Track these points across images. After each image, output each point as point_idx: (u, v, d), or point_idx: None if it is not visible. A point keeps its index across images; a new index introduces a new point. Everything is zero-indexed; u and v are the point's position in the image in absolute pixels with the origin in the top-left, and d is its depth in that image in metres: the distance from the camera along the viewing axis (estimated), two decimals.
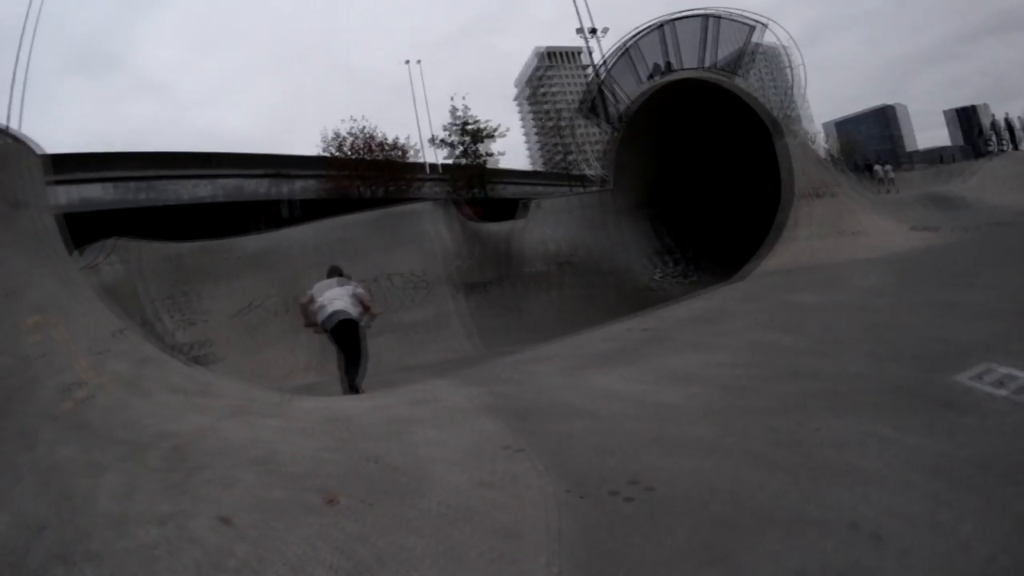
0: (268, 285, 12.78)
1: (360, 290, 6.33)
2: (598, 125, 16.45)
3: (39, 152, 4.61)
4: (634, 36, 14.78)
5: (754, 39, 13.33)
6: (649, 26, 14.46)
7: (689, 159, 15.06)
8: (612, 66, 15.46)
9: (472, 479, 3.03)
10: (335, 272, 6.78)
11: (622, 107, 14.85)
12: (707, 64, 13.29)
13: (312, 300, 6.17)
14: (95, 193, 19.44)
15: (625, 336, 6.58)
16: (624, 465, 2.97)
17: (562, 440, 3.45)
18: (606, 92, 15.54)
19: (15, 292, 3.63)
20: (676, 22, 14.11)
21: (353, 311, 6.00)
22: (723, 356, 5.19)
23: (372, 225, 13.93)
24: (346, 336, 5.98)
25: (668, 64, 14.21)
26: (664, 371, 4.89)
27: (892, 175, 24.82)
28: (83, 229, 10.01)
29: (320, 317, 6.00)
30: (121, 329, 4.39)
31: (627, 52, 14.91)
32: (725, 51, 13.37)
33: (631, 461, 3.03)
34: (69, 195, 18.96)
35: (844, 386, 3.94)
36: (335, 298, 6.02)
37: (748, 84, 13.52)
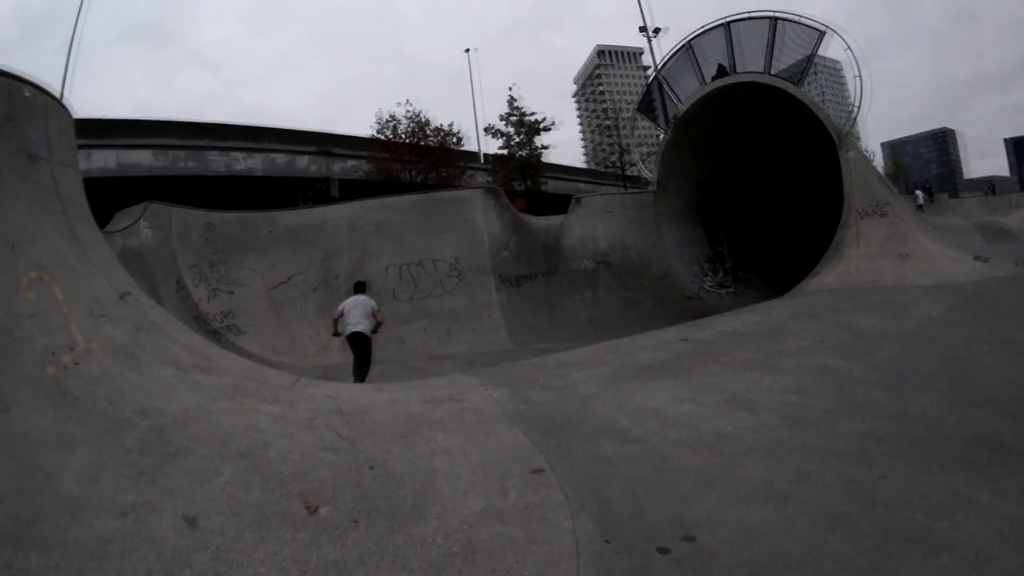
0: (305, 261, 12.69)
1: (374, 306, 7.45)
2: (655, 123, 15.87)
3: (66, 108, 4.37)
4: (696, 34, 14.14)
5: (819, 49, 12.56)
6: (712, 25, 13.83)
7: (740, 167, 14.55)
8: (671, 64, 14.81)
9: (485, 506, 2.54)
10: (360, 288, 7.77)
11: (677, 107, 14.43)
12: (772, 69, 12.61)
13: (341, 315, 7.26)
14: (142, 159, 20.10)
15: (674, 346, 5.95)
16: (676, 511, 2.42)
17: (600, 468, 2.92)
18: (665, 90, 15.00)
19: (19, 245, 3.43)
20: (741, 23, 13.40)
21: (366, 324, 7.13)
22: (784, 380, 4.52)
23: (415, 209, 13.63)
24: (358, 345, 7.15)
25: (731, 66, 13.62)
26: (720, 392, 4.26)
27: (921, 201, 23.39)
28: (129, 193, 10.16)
29: (342, 328, 7.26)
30: (129, 292, 4.13)
31: (688, 50, 14.25)
32: (789, 57, 12.73)
33: (685, 506, 2.47)
34: (118, 159, 19.67)
35: (926, 432, 3.34)
36: (355, 313, 7.18)
37: (809, 94, 12.95)
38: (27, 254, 3.43)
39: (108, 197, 9.74)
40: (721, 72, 13.73)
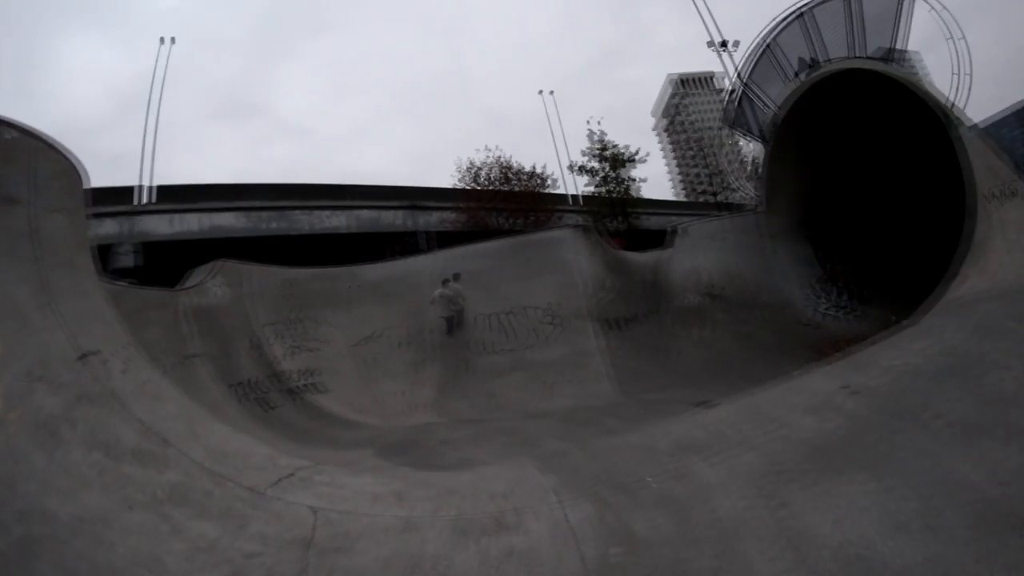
0: (391, 315, 12.46)
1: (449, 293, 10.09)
2: (744, 136, 15.35)
3: (62, 153, 4.05)
4: (772, 31, 13.43)
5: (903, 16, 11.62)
6: (786, 18, 13.07)
7: (840, 171, 13.55)
8: (753, 68, 14.16)
9: None
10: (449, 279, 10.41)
11: (769, 115, 13.66)
12: (858, 51, 11.76)
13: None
14: (228, 221, 22.14)
15: (838, 400, 3.89)
16: None
17: None
18: (751, 97, 14.35)
19: None
20: (815, 8, 12.64)
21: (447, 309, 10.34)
22: None
23: (505, 254, 13.05)
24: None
25: (813, 59, 12.78)
26: (963, 493, 2.40)
27: None
28: (216, 255, 10.52)
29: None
30: (97, 352, 3.51)
31: (767, 50, 13.56)
32: (875, 33, 11.85)
33: None
34: (201, 222, 21.59)
35: None
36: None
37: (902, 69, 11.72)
38: None
39: (196, 258, 10.54)
40: (802, 66, 13.08)
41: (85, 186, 4.48)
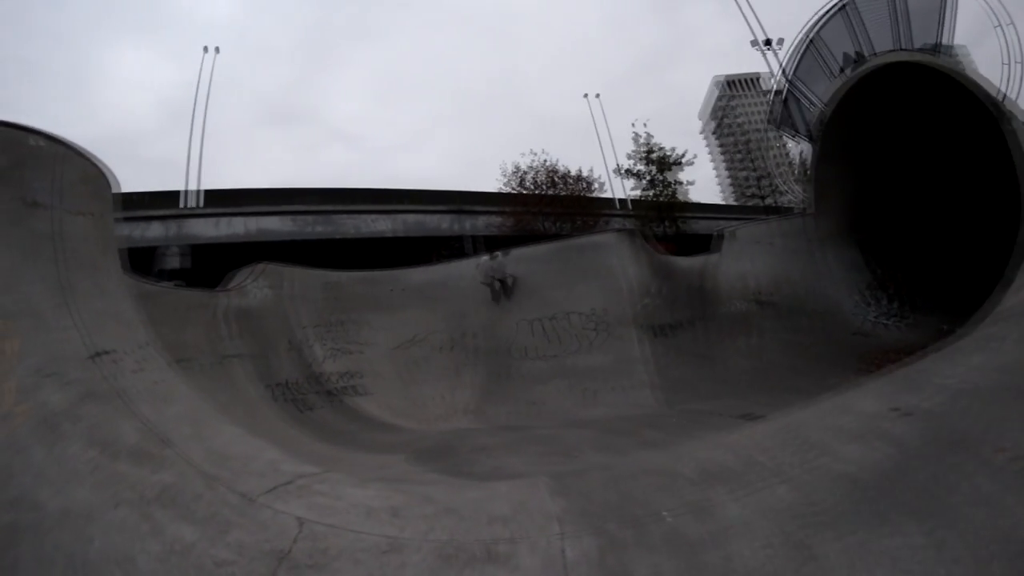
0: (432, 319, 12.59)
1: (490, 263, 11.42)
2: (792, 136, 15.03)
3: (87, 158, 4.24)
4: (814, 26, 13.22)
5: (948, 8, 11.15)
6: (828, 11, 12.85)
7: (888, 172, 13.18)
8: (797, 65, 13.92)
9: None
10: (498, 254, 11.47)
11: (815, 113, 13.34)
12: (903, 46, 11.45)
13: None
14: (274, 225, 22.97)
15: (886, 426, 3.36)
16: None
17: None
18: (796, 96, 14.13)
19: None
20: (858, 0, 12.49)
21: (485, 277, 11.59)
22: None
23: (548, 258, 12.91)
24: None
25: (858, 54, 12.52)
26: (1019, 565, 1.99)
27: None
28: (261, 257, 10.86)
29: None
30: (111, 351, 3.61)
31: (811, 46, 13.34)
32: (920, 28, 11.49)
33: None
34: (247, 226, 22.47)
35: None
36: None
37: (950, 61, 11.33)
38: None
39: (242, 261, 11.06)
40: (847, 61, 12.81)
41: (114, 191, 4.65)
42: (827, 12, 12.89)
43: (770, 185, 30.68)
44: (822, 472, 2.81)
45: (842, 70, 12.81)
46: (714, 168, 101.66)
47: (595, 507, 3.13)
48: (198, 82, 25.70)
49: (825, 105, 12.94)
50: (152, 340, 4.32)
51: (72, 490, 2.63)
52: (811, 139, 13.69)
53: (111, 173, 4.64)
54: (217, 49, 27.47)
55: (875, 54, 12.00)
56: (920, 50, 11.30)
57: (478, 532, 2.95)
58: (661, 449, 5.34)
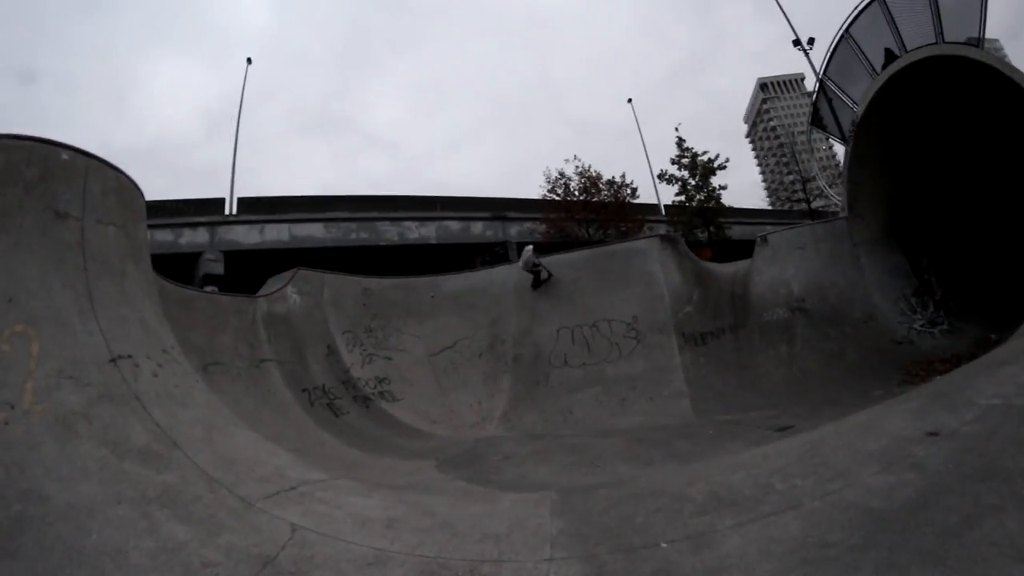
0: (470, 326, 12.62)
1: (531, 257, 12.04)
2: (829, 137, 14.56)
3: (116, 170, 4.49)
4: (848, 21, 12.75)
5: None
6: (860, 4, 12.34)
7: (935, 171, 12.66)
8: (828, 62, 13.47)
9: None
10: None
11: (853, 112, 12.83)
12: (946, 36, 10.61)
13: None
14: (315, 231, 23.58)
15: (917, 451, 2.96)
16: None
17: None
18: (830, 96, 13.68)
19: (18, 298, 3.58)
20: None
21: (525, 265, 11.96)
22: None
23: (587, 265, 12.76)
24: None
25: (888, 51, 11.93)
26: None
27: None
28: (302, 264, 11.14)
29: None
30: (128, 356, 3.78)
31: (844, 42, 12.88)
32: (953, 24, 10.68)
33: None
34: (288, 232, 23.13)
35: None
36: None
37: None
38: (22, 307, 3.50)
39: (282, 267, 11.38)
40: (889, 57, 12.02)
41: (142, 201, 4.87)
42: (860, 6, 12.32)
43: (816, 188, 29.73)
44: (839, 504, 2.56)
45: (874, 69, 12.22)
46: (760, 172, 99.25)
47: (592, 530, 3.00)
48: (242, 93, 27.06)
49: (857, 105, 12.50)
50: (175, 345, 4.51)
51: (79, 486, 2.78)
52: (844, 139, 13.30)
53: (136, 185, 4.89)
54: (249, 59, 28.82)
55: (906, 50, 11.35)
56: (960, 43, 10.50)
57: (467, 550, 2.88)
58: (683, 463, 5.12)
